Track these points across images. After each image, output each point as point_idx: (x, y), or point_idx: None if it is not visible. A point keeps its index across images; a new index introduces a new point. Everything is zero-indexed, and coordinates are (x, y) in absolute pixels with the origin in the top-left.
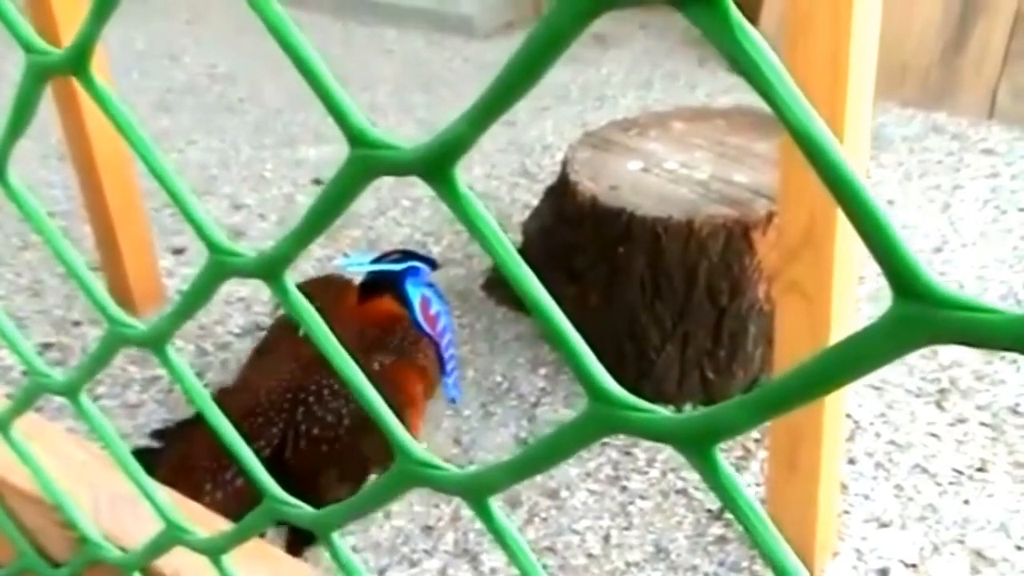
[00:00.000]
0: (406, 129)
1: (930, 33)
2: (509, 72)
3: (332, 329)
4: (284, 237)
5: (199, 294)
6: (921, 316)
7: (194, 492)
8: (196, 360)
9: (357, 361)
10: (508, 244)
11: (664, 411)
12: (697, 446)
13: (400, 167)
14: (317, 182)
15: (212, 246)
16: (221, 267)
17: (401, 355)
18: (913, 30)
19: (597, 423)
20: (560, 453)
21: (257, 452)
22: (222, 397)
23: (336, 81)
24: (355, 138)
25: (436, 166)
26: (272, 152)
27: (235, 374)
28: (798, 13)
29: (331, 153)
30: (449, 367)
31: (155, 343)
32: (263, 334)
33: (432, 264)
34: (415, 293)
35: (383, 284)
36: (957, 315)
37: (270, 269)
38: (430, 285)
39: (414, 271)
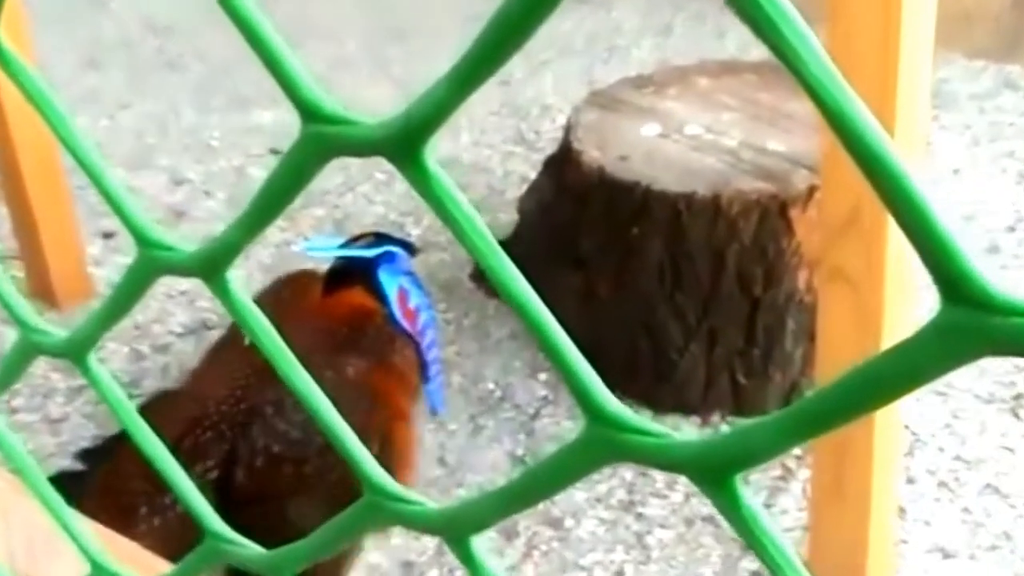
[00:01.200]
0: (380, 89)
1: None
2: (498, 22)
3: (291, 332)
4: (226, 228)
5: (127, 295)
6: (972, 324)
7: (127, 519)
8: (131, 366)
9: (321, 368)
10: (489, 237)
11: (675, 434)
12: (716, 476)
13: (362, 147)
14: (274, 152)
15: (141, 238)
16: (151, 264)
17: (376, 357)
18: None
19: (596, 449)
20: (555, 483)
21: (202, 474)
22: (161, 405)
23: (282, 40)
24: (308, 112)
25: (407, 146)
26: (220, 116)
27: (177, 381)
28: None
29: (290, 118)
30: (431, 371)
31: (76, 353)
32: (211, 333)
33: (410, 249)
34: (391, 283)
35: (352, 273)
36: (1017, 322)
37: (210, 265)
38: (408, 274)
39: (389, 257)
